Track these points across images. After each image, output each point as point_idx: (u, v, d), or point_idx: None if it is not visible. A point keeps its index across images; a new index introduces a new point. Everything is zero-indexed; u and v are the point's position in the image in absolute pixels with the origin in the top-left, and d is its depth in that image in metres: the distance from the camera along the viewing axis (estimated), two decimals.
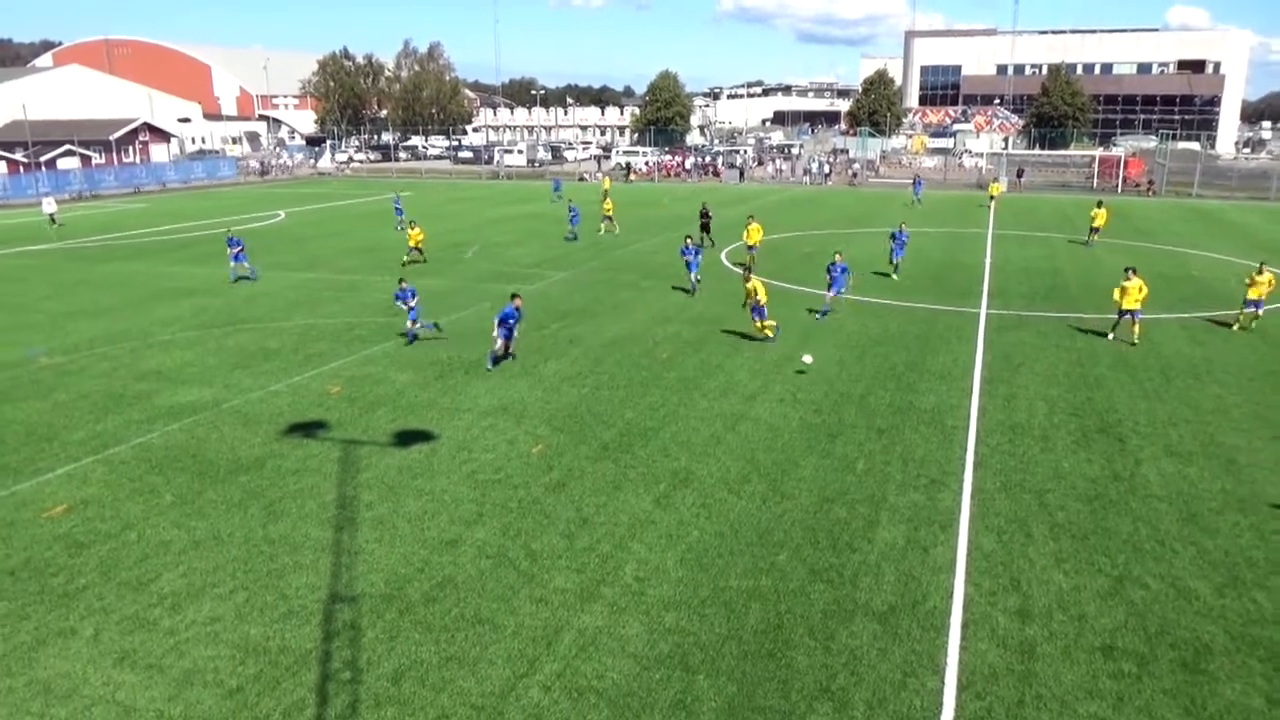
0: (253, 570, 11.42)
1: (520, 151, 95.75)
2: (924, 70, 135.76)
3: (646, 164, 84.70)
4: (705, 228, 38.65)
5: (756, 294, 21.96)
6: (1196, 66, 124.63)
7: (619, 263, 34.27)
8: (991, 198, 56.15)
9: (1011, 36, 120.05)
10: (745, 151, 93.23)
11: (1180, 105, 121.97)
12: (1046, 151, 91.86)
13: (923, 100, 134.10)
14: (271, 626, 10.21)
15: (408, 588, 11.00)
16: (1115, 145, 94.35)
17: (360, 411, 17.34)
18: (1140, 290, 22.05)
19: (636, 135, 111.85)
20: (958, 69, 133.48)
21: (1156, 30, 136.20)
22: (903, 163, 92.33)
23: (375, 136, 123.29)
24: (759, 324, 22.30)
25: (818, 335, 23.12)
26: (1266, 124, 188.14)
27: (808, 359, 19.55)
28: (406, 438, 15.88)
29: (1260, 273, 23.69)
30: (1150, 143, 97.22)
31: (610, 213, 42.62)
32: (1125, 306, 22.18)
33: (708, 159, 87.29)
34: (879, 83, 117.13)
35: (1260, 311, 23.74)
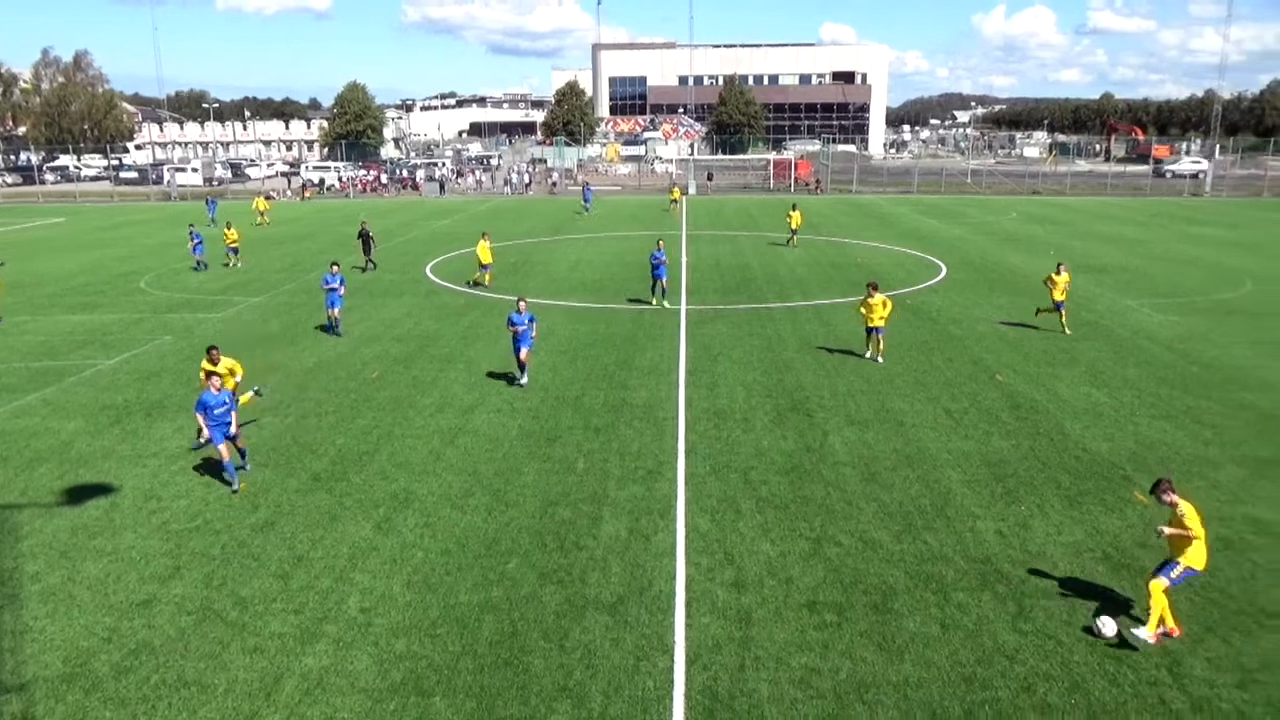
0: None
1: (195, 170, 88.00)
2: (612, 81, 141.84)
3: (340, 179, 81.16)
4: (365, 248, 35.15)
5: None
6: (848, 78, 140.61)
7: (316, 285, 32.48)
8: (673, 201, 59.78)
9: (690, 50, 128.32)
10: (444, 164, 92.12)
11: (837, 112, 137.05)
12: (728, 156, 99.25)
13: (613, 110, 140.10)
14: None
15: (93, 662, 9.71)
16: (786, 149, 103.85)
17: (15, 471, 15.07)
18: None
19: (326, 150, 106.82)
20: (643, 80, 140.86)
21: (813, 45, 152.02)
22: (599, 170, 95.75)
23: (12, 157, 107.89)
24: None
25: None
26: (907, 128, 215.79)
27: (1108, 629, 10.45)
28: (79, 494, 14.02)
29: (1059, 272, 23.97)
30: (815, 146, 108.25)
31: (236, 243, 36.57)
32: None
33: (405, 172, 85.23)
34: (571, 94, 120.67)
35: (1063, 311, 24.06)
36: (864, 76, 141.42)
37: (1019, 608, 10.67)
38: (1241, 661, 9.61)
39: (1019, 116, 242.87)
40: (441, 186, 76.28)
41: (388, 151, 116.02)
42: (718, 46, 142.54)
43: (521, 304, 19.15)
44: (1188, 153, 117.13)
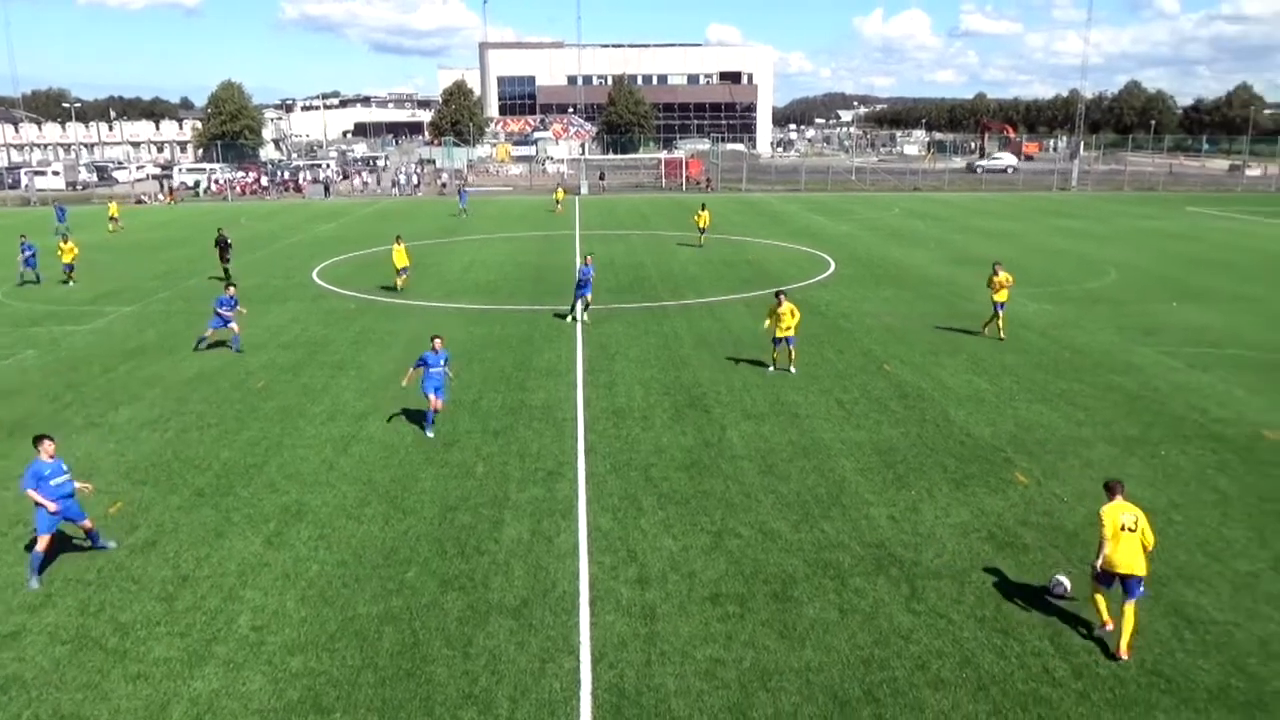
0: None
1: (57, 173, 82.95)
2: (501, 81, 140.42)
3: (217, 182, 77.88)
4: (223, 257, 32.79)
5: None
6: (735, 78, 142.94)
7: (195, 292, 31.11)
8: (558, 202, 59.60)
9: (578, 50, 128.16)
10: (329, 165, 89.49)
11: (725, 112, 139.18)
12: (620, 156, 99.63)
13: (502, 110, 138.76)
14: None
15: None
16: (677, 149, 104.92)
17: None
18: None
19: (201, 151, 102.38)
20: (532, 79, 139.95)
21: (700, 45, 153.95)
22: (490, 171, 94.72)
23: None
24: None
25: (425, 344, 22.83)
26: (793, 127, 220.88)
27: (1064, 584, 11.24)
28: None
29: (996, 273, 22.91)
30: (705, 145, 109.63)
31: (72, 258, 32.66)
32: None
33: (287, 174, 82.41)
34: (458, 93, 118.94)
35: (1001, 313, 23.13)
36: (750, 77, 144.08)
37: (912, 589, 11.04)
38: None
39: (899, 116, 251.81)
40: (326, 189, 74.08)
41: (268, 153, 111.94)
42: (606, 46, 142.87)
43: (437, 342, 16.66)
44: (1054, 149, 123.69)
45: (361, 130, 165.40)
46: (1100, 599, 10.02)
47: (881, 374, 20.21)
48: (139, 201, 68.16)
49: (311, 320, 26.17)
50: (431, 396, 16.35)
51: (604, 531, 12.60)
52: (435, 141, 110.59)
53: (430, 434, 16.37)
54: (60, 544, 12.22)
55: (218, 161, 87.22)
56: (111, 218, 49.68)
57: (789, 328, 19.91)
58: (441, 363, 16.48)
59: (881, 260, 36.94)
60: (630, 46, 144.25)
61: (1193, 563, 11.65)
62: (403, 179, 77.29)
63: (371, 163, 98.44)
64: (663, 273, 33.88)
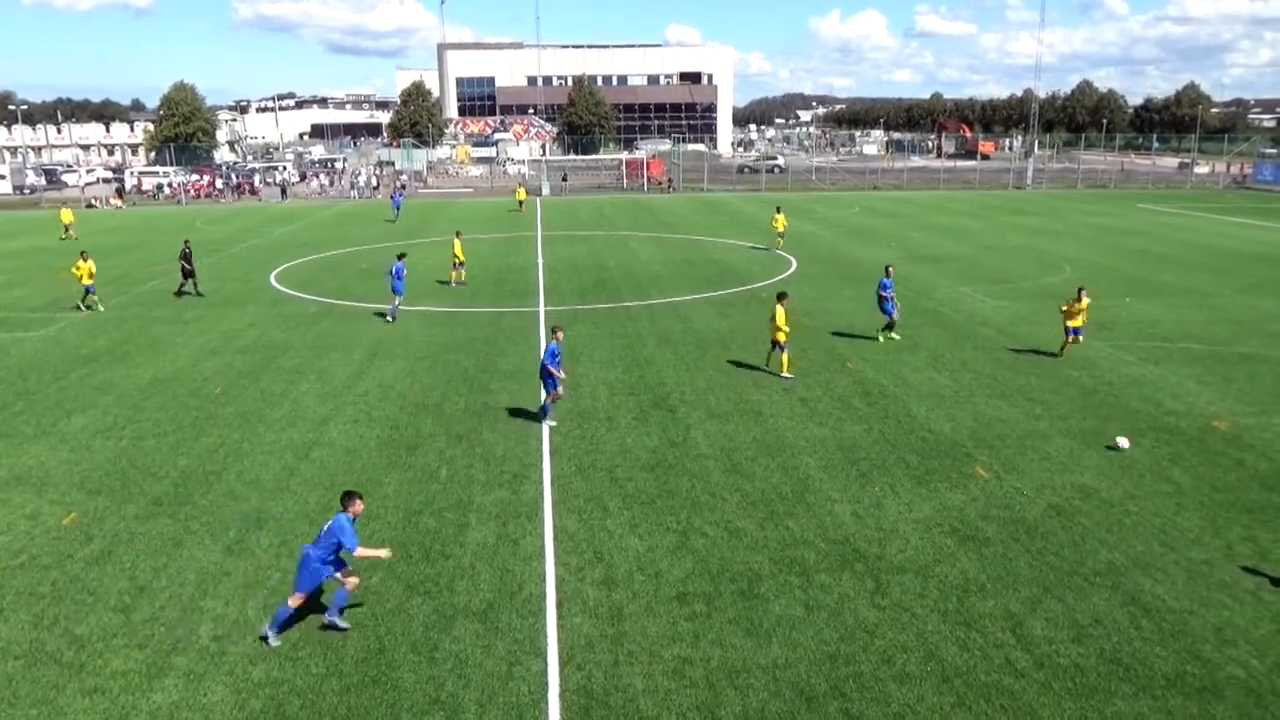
0: None
1: (3, 176, 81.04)
2: (460, 82, 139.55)
3: (171, 185, 76.49)
4: (187, 272, 29.93)
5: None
6: (695, 78, 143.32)
7: (150, 297, 30.53)
8: (520, 201, 59.42)
9: (538, 50, 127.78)
10: (285, 168, 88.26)
11: (686, 112, 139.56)
12: (581, 157, 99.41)
13: (462, 111, 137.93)
14: None
15: None
16: (638, 149, 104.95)
17: None
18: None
19: (154, 154, 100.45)
20: (492, 80, 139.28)
21: (660, 46, 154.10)
22: (450, 173, 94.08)
23: None
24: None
25: (387, 348, 22.67)
26: (753, 127, 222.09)
27: (1123, 442, 15.13)
28: None
29: (1079, 299, 21.12)
30: (666, 146, 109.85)
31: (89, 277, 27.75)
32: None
33: (242, 177, 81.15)
34: (417, 94, 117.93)
35: (1080, 338, 21.45)
36: (710, 77, 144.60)
37: (877, 584, 11.14)
38: (1076, 618, 10.36)
39: (857, 115, 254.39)
40: (284, 191, 73.05)
41: (223, 155, 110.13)
42: (565, 47, 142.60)
43: (560, 334, 16.89)
44: (1010, 148, 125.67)
45: (319, 132, 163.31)
46: None
47: (844, 371, 20.38)
48: (90, 205, 66.75)
49: (270, 325, 25.79)
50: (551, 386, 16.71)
51: (570, 533, 12.57)
52: (394, 143, 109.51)
53: (553, 422, 16.85)
54: (10, 556, 11.94)
55: (171, 164, 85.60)
56: (65, 225, 48.45)
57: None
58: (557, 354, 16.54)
59: (843, 258, 37.25)
60: (590, 47, 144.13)
61: (1149, 552, 11.88)
62: (361, 181, 76.46)
63: (329, 165, 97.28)
64: (626, 273, 33.88)
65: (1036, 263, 35.97)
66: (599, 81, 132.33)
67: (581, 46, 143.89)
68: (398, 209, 54.02)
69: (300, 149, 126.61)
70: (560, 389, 16.88)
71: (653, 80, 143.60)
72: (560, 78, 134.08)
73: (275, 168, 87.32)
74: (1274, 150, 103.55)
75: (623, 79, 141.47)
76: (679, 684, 9.22)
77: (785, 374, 19.73)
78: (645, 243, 42.32)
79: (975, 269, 34.55)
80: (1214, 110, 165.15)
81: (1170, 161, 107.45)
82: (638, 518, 13.03)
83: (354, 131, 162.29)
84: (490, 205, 63.56)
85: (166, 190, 75.58)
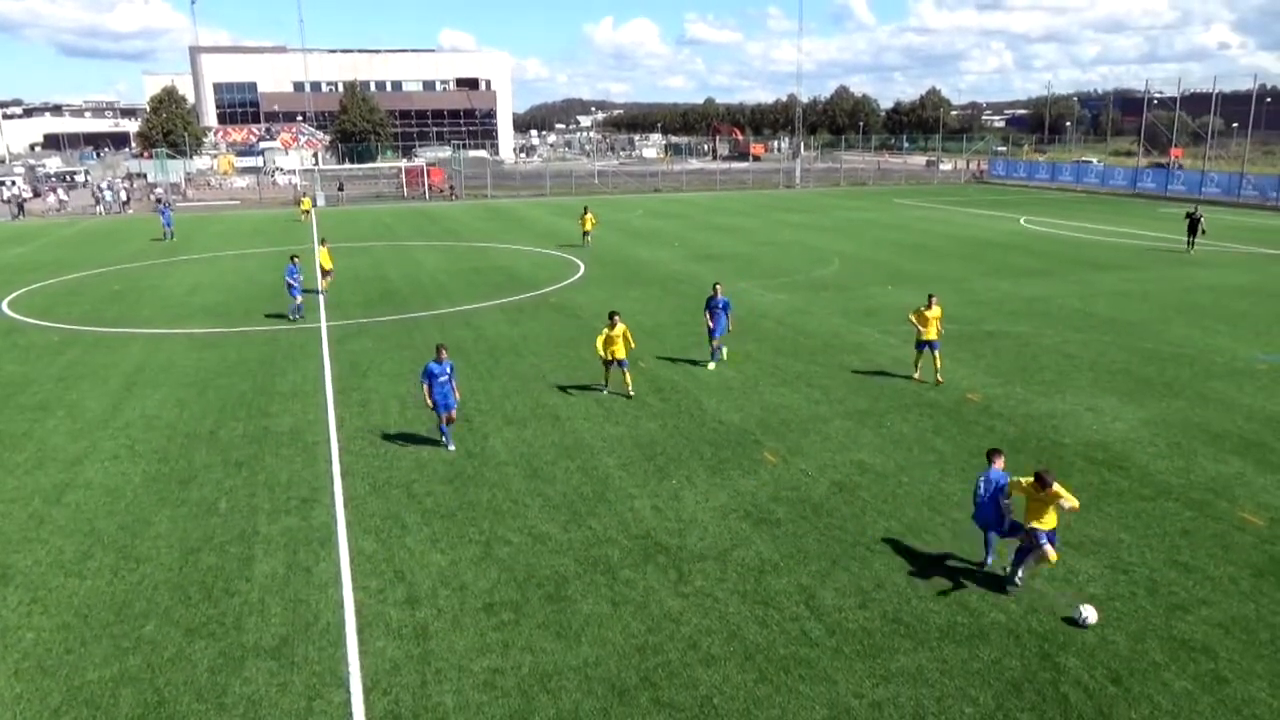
0: None
1: None
2: (218, 88, 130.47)
3: None
4: None
5: None
6: (472, 84, 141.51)
7: None
8: (305, 212, 57.08)
9: (304, 54, 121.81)
10: (16, 182, 79.14)
11: (465, 118, 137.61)
12: (358, 165, 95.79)
13: (222, 119, 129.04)
14: None
15: None
16: (417, 156, 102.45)
17: None
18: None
19: None
20: (254, 86, 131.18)
21: (434, 51, 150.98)
22: (213, 184, 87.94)
23: None
24: None
25: (148, 375, 20.82)
26: (534, 133, 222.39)
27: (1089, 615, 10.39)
28: None
29: (930, 307, 19.08)
30: (446, 153, 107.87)
31: None
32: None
33: None
34: (169, 101, 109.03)
35: (937, 352, 19.19)
36: (488, 83, 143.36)
37: (679, 574, 11.44)
38: (861, 585, 11.09)
39: (636, 120, 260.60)
40: (20, 207, 65.44)
41: None
42: (334, 52, 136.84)
43: (443, 351, 15.70)
44: (779, 150, 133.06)
45: (54, 142, 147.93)
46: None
47: (637, 370, 20.79)
48: None
49: (4, 358, 23.03)
50: (453, 411, 15.84)
51: (367, 555, 12.05)
52: (146, 154, 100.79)
53: (452, 447, 15.84)
54: None
55: None
56: None
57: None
58: (448, 371, 15.56)
59: (628, 260, 38.03)
60: (361, 52, 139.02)
61: (920, 518, 12.92)
62: (109, 195, 69.80)
63: (69, 178, 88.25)
64: (412, 284, 32.95)
65: (808, 257, 38.28)
66: (372, 88, 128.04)
67: (351, 51, 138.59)
68: (168, 225, 49.19)
69: (32, 161, 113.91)
70: (450, 412, 15.84)
71: (429, 86, 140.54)
72: (330, 84, 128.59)
73: (3, 183, 78.09)
74: (1004, 148, 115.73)
75: (397, 85, 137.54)
76: (490, 696, 9.05)
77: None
78: (430, 252, 41.37)
79: (753, 265, 36.29)
80: (954, 113, 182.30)
81: (919, 160, 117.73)
82: (438, 532, 12.68)
83: (96, 141, 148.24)
84: (259, 218, 59.91)
85: None
